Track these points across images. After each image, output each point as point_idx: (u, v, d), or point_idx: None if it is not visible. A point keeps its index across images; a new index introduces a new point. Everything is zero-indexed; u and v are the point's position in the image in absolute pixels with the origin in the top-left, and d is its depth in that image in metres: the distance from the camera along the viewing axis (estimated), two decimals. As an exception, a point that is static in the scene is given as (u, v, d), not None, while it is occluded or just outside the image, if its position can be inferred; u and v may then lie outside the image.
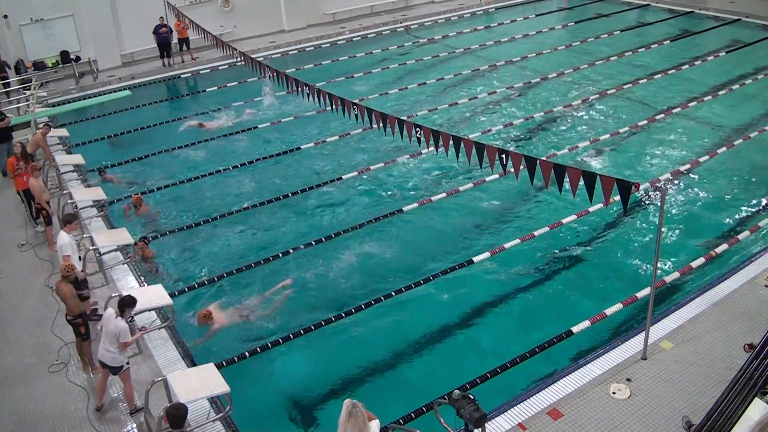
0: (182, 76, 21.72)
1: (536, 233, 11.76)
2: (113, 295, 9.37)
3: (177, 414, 6.77)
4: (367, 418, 5.99)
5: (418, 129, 9.97)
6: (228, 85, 20.32)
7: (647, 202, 12.98)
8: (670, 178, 13.45)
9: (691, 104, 17.07)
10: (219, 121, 17.70)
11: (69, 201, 12.12)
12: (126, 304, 8.04)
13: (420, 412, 7.87)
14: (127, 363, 8.17)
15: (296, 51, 23.46)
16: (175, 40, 22.05)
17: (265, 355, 9.37)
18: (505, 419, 7.64)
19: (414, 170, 14.76)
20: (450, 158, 12.55)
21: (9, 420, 8.23)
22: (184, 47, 22.21)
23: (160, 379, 7.84)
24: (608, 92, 18.24)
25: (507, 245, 11.45)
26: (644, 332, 8.45)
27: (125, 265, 11.20)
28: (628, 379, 8.13)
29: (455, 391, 6.27)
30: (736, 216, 12.29)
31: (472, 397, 6.13)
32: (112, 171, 15.12)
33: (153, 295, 9.31)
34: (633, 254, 11.34)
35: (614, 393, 7.93)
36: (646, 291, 9.55)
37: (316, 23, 25.90)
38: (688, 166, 13.85)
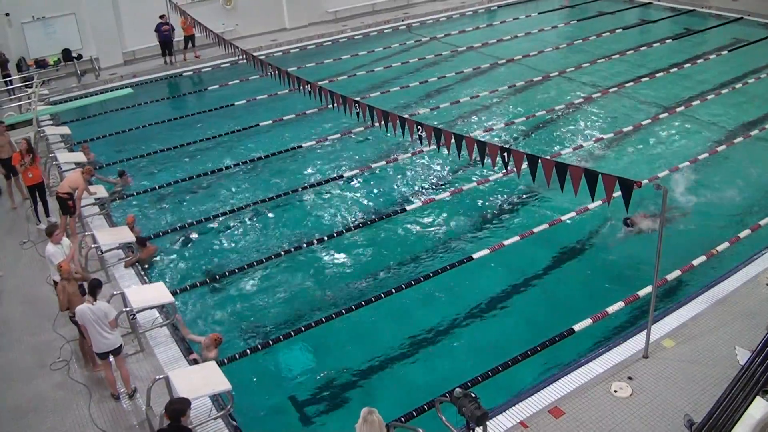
0: (184, 74, 21.72)
1: (536, 230, 11.76)
2: (115, 292, 9.38)
3: (178, 408, 6.52)
4: (384, 425, 5.98)
5: (419, 127, 9.96)
6: (230, 83, 20.32)
7: (649, 200, 12.93)
8: (671, 176, 13.43)
9: (693, 103, 17.04)
10: None
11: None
12: (97, 285, 8.25)
13: (421, 410, 7.88)
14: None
15: (298, 49, 23.44)
16: (179, 38, 22.06)
17: (266, 353, 9.38)
18: (507, 417, 7.64)
19: (414, 170, 14.76)
20: (451, 157, 12.59)
21: (11, 417, 8.24)
22: (190, 44, 22.20)
23: (161, 376, 7.85)
24: (610, 91, 18.21)
25: (506, 242, 11.44)
26: (646, 330, 8.44)
27: (127, 263, 11.22)
28: (630, 378, 8.12)
29: (457, 389, 6.28)
30: (738, 214, 12.27)
31: (473, 395, 6.13)
32: (105, 171, 15.03)
33: (154, 293, 9.33)
34: (634, 252, 11.31)
35: (616, 391, 7.93)
36: (648, 289, 9.53)
37: (318, 21, 25.89)
38: (688, 164, 13.83)
